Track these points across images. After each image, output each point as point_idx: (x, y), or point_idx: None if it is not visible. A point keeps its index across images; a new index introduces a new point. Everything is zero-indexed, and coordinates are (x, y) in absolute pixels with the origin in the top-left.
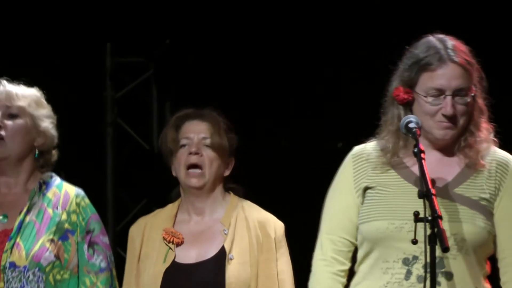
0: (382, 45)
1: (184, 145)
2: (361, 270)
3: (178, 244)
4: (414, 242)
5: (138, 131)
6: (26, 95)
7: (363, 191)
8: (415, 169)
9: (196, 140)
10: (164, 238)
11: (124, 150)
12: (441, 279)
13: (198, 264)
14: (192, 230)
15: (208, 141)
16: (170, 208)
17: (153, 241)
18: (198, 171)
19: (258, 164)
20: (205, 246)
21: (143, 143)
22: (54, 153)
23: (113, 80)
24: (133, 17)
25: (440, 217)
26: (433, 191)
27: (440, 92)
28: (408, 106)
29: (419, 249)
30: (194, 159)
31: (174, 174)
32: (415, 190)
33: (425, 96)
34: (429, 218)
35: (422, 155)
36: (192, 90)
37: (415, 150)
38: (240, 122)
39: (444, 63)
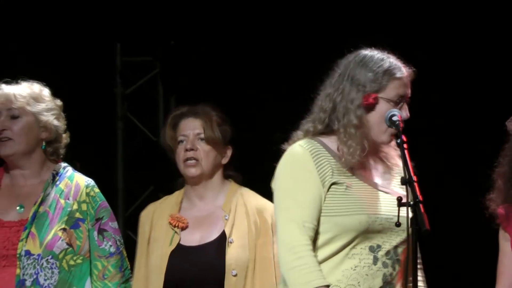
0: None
1: (181, 141)
2: (321, 254)
3: (183, 228)
4: (398, 224)
5: (146, 124)
6: (24, 94)
7: (329, 186)
8: (361, 166)
9: (192, 137)
10: (170, 223)
11: (133, 142)
12: (396, 265)
13: (201, 247)
14: (196, 215)
15: (202, 135)
16: (176, 195)
17: (160, 226)
18: (194, 161)
19: (258, 154)
20: (207, 230)
21: (150, 135)
22: (63, 141)
23: (122, 78)
24: (141, 19)
25: (421, 202)
26: (414, 178)
27: (401, 99)
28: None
29: (382, 239)
30: (190, 154)
31: (178, 165)
32: (372, 189)
33: (389, 102)
34: (411, 202)
35: (405, 145)
36: (195, 86)
37: (398, 141)
38: (239, 115)
39: (404, 74)
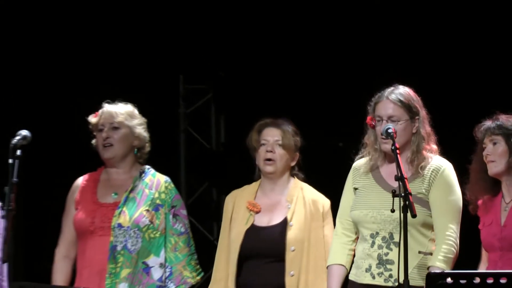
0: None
1: (263, 144)
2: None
3: (256, 212)
4: (392, 211)
5: (202, 135)
6: (122, 111)
7: (354, 190)
8: (385, 172)
9: (272, 142)
10: (247, 207)
11: (192, 149)
12: (392, 246)
13: (268, 227)
14: (267, 202)
15: (280, 142)
16: (253, 185)
17: (239, 208)
18: (271, 161)
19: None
20: (274, 215)
21: (205, 143)
22: (147, 148)
23: (184, 101)
24: (198, 57)
25: (410, 194)
26: (405, 175)
27: (380, 118)
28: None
29: (378, 228)
30: (269, 155)
31: (256, 163)
32: (381, 190)
33: (378, 121)
34: (403, 194)
35: (398, 151)
36: (239, 107)
37: (392, 148)
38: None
39: (382, 100)
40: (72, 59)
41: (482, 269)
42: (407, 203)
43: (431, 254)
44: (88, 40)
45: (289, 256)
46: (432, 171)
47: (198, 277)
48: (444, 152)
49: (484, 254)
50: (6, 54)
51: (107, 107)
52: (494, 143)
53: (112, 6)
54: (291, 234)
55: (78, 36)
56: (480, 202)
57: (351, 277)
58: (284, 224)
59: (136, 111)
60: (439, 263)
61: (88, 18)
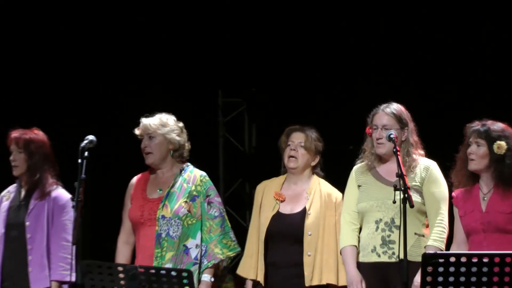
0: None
1: (289, 145)
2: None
3: (281, 201)
4: (394, 202)
5: (237, 140)
6: (155, 123)
7: (357, 187)
8: (382, 171)
9: (296, 143)
10: (274, 197)
11: (228, 151)
12: (393, 229)
13: (291, 214)
14: (290, 194)
15: (302, 144)
16: (280, 178)
17: (268, 196)
18: (294, 159)
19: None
20: (296, 204)
21: (240, 147)
22: (186, 148)
23: (222, 112)
24: (233, 75)
25: (409, 188)
26: (404, 172)
27: (376, 126)
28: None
29: (382, 215)
30: (292, 153)
31: (283, 160)
32: (380, 185)
33: (374, 129)
34: (402, 188)
35: (398, 153)
36: (268, 117)
37: (394, 150)
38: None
39: (378, 112)
40: (136, 79)
41: (454, 248)
42: (406, 196)
43: (423, 236)
44: (149, 65)
45: (306, 239)
46: (423, 169)
47: (230, 253)
48: (430, 154)
49: (459, 237)
50: (77, 66)
51: (144, 120)
52: (478, 145)
53: (166, 29)
54: (309, 220)
55: (138, 58)
56: (455, 195)
57: (359, 260)
58: (303, 212)
59: (170, 120)
60: (435, 243)
61: (144, 39)
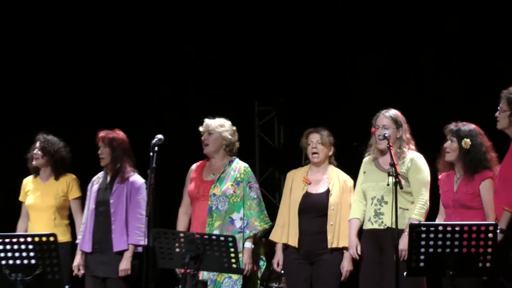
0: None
1: (309, 144)
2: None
3: (308, 184)
4: (387, 184)
5: (269, 138)
6: (215, 123)
7: (363, 173)
8: (381, 161)
9: (315, 142)
10: (303, 180)
11: (263, 147)
12: (383, 204)
13: (317, 194)
14: (314, 179)
15: (320, 141)
16: (305, 168)
17: (297, 181)
18: (316, 155)
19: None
20: (320, 187)
21: (271, 143)
22: (235, 145)
23: (258, 117)
24: (266, 90)
25: (399, 174)
26: (395, 161)
27: (377, 126)
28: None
29: (375, 193)
30: (314, 150)
31: (307, 155)
32: (377, 171)
33: (376, 128)
34: (395, 175)
35: (391, 148)
36: (292, 121)
37: (388, 146)
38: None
39: (380, 115)
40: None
41: (439, 219)
42: (397, 180)
43: (407, 209)
44: (206, 82)
45: (330, 213)
46: (409, 160)
47: (266, 225)
48: (421, 149)
49: (442, 210)
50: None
51: (206, 121)
52: (451, 141)
53: (218, 52)
54: (332, 199)
55: (199, 78)
56: (440, 177)
57: (362, 228)
58: (327, 193)
59: (226, 123)
60: (416, 216)
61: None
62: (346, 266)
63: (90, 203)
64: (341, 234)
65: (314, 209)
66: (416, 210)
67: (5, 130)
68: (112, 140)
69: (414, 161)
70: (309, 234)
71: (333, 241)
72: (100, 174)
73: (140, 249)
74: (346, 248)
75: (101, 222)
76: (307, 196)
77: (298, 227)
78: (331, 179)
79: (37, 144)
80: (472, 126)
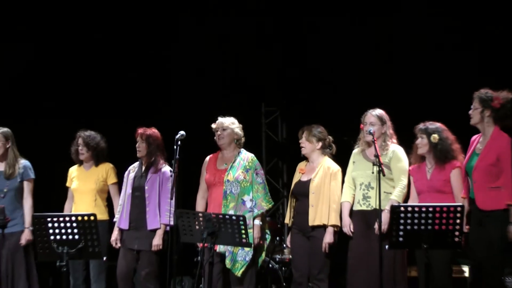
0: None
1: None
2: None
3: (303, 174)
4: (372, 172)
5: (273, 134)
6: (228, 121)
7: (353, 163)
8: (368, 153)
9: (303, 138)
10: (299, 171)
11: (268, 141)
12: (369, 189)
13: (305, 181)
14: (309, 168)
15: (305, 138)
16: (305, 162)
17: (297, 172)
18: (303, 148)
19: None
20: (309, 175)
21: (275, 138)
22: (242, 139)
23: (264, 116)
24: (271, 93)
25: (382, 163)
26: (379, 153)
27: (366, 123)
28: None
29: (363, 180)
30: (301, 145)
31: None
32: (365, 161)
33: (364, 125)
34: (378, 164)
35: (375, 142)
36: (293, 119)
37: (373, 140)
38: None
39: (367, 114)
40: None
41: (410, 202)
42: (380, 169)
43: (390, 193)
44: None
45: (310, 197)
46: (391, 152)
47: (270, 205)
48: (402, 142)
49: (413, 195)
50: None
51: (220, 119)
52: (422, 138)
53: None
54: (312, 185)
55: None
56: (410, 168)
57: (353, 209)
58: (311, 180)
59: (236, 121)
60: (395, 197)
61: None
62: (326, 239)
63: (127, 188)
64: (323, 214)
65: (302, 193)
66: (396, 192)
67: (57, 126)
68: (149, 137)
69: (395, 152)
70: (301, 213)
71: (314, 219)
72: (136, 164)
73: (168, 228)
74: (325, 226)
75: (136, 204)
76: (298, 183)
77: (293, 208)
78: (318, 168)
79: (80, 140)
80: (438, 124)
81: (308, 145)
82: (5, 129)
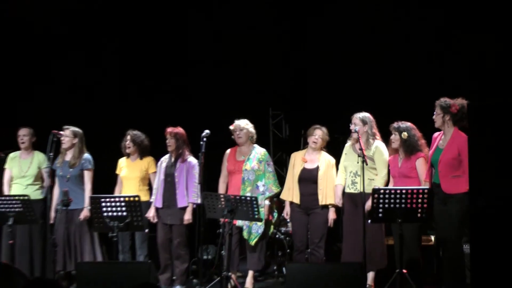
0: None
1: (313, 135)
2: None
3: (305, 162)
4: (358, 162)
5: (278, 132)
6: (243, 122)
7: (344, 154)
8: (356, 147)
9: (317, 135)
10: (302, 160)
11: (275, 138)
12: (357, 176)
13: (311, 169)
14: (309, 158)
15: (321, 136)
16: (303, 151)
17: (297, 160)
18: (315, 144)
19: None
20: (313, 164)
21: (280, 135)
22: (254, 137)
23: (271, 118)
24: (276, 100)
25: (365, 155)
26: (363, 148)
27: (354, 124)
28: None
29: (352, 168)
30: (315, 140)
31: (309, 142)
32: (353, 154)
33: (352, 125)
34: (362, 156)
35: (360, 138)
36: (295, 120)
37: (357, 137)
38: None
39: (354, 116)
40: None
41: (390, 185)
42: (363, 160)
43: (373, 179)
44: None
45: (319, 182)
46: (374, 147)
47: (278, 189)
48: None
49: (391, 179)
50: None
51: (236, 121)
52: (395, 134)
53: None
54: (320, 172)
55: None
56: (389, 159)
57: (344, 191)
58: (317, 168)
59: (248, 122)
60: (377, 183)
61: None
62: (331, 215)
63: (160, 175)
64: (328, 195)
65: (308, 179)
66: (378, 180)
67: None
68: (176, 134)
69: (378, 148)
70: (306, 195)
71: (323, 200)
72: (167, 156)
73: (195, 206)
74: (331, 205)
75: (168, 188)
76: (304, 170)
77: (299, 190)
78: (320, 159)
79: (128, 137)
80: (408, 123)
81: (321, 141)
82: (77, 129)
